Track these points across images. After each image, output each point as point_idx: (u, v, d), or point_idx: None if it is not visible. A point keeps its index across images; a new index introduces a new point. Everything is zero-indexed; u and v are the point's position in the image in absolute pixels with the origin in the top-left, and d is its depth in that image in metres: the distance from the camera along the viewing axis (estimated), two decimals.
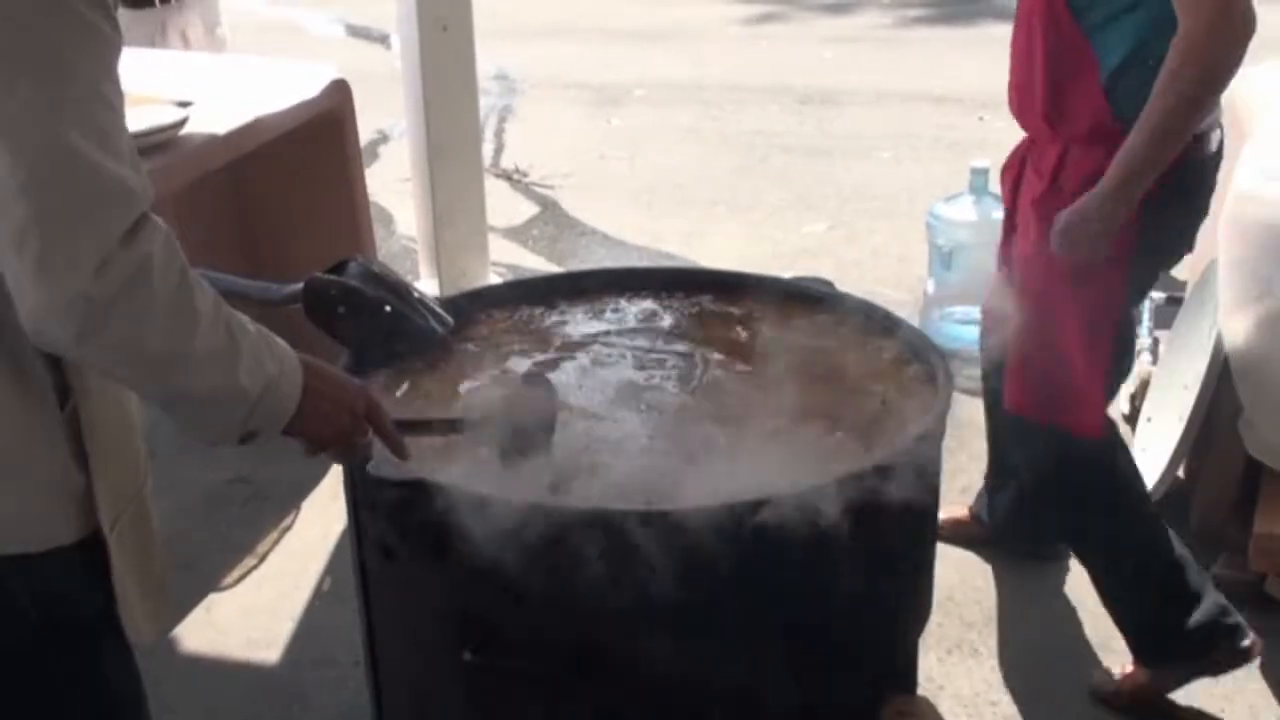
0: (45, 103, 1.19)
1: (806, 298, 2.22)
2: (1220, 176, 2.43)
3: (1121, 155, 2.16)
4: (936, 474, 1.90)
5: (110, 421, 1.48)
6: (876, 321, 2.12)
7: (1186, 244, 2.49)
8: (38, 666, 1.45)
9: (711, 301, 2.26)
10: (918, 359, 1.99)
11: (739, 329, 2.17)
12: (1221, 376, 2.98)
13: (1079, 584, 2.98)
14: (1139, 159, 2.15)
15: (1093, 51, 2.24)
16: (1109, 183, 2.18)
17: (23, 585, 1.41)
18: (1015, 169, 2.56)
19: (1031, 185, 2.44)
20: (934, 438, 1.81)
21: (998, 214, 4.07)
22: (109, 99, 1.24)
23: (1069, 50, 2.26)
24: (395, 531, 1.71)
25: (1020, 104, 2.46)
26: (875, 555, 1.73)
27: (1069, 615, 2.89)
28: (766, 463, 1.69)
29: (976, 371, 3.94)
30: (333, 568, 3.05)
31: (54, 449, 1.41)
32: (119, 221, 1.22)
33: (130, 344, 1.26)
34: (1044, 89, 2.33)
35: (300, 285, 1.83)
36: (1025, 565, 3.07)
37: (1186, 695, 2.60)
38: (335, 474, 1.86)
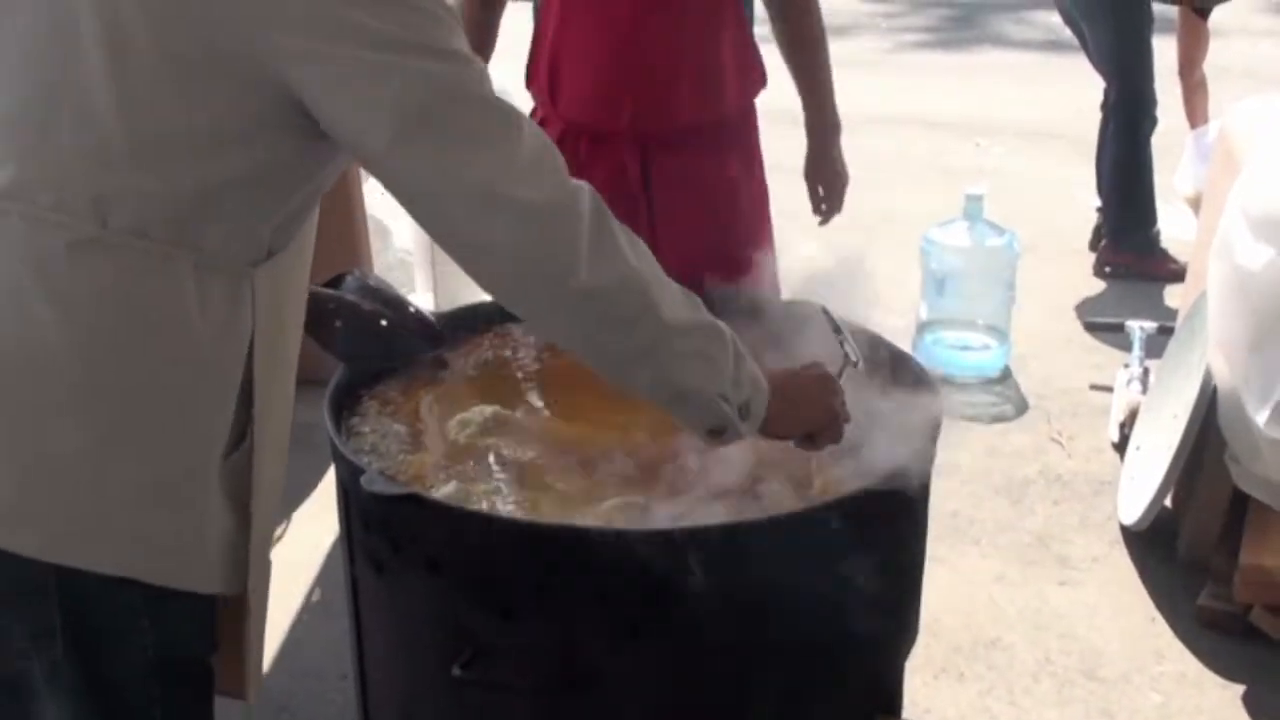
0: None
1: (799, 319, 2.23)
2: (1212, 208, 2.45)
3: None
4: (925, 497, 1.90)
5: (271, 479, 1.54)
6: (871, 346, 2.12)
7: None
8: (139, 707, 1.47)
9: None
10: (908, 382, 2.00)
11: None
12: (1210, 407, 3.00)
13: (1068, 609, 3.00)
14: None
15: None
16: None
17: (151, 622, 1.43)
18: None
19: None
20: (923, 461, 1.81)
21: (992, 240, 4.11)
22: None
23: None
24: (387, 546, 1.72)
25: None
26: (862, 578, 1.74)
27: (1058, 640, 2.90)
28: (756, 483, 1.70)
29: (968, 397, 3.99)
30: (323, 580, 3.05)
31: (218, 489, 1.44)
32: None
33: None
34: None
35: None
36: (1014, 589, 3.08)
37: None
38: (326, 486, 1.88)
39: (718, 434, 1.54)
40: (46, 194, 1.32)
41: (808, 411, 1.63)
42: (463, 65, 1.36)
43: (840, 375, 1.71)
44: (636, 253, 1.44)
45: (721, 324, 1.51)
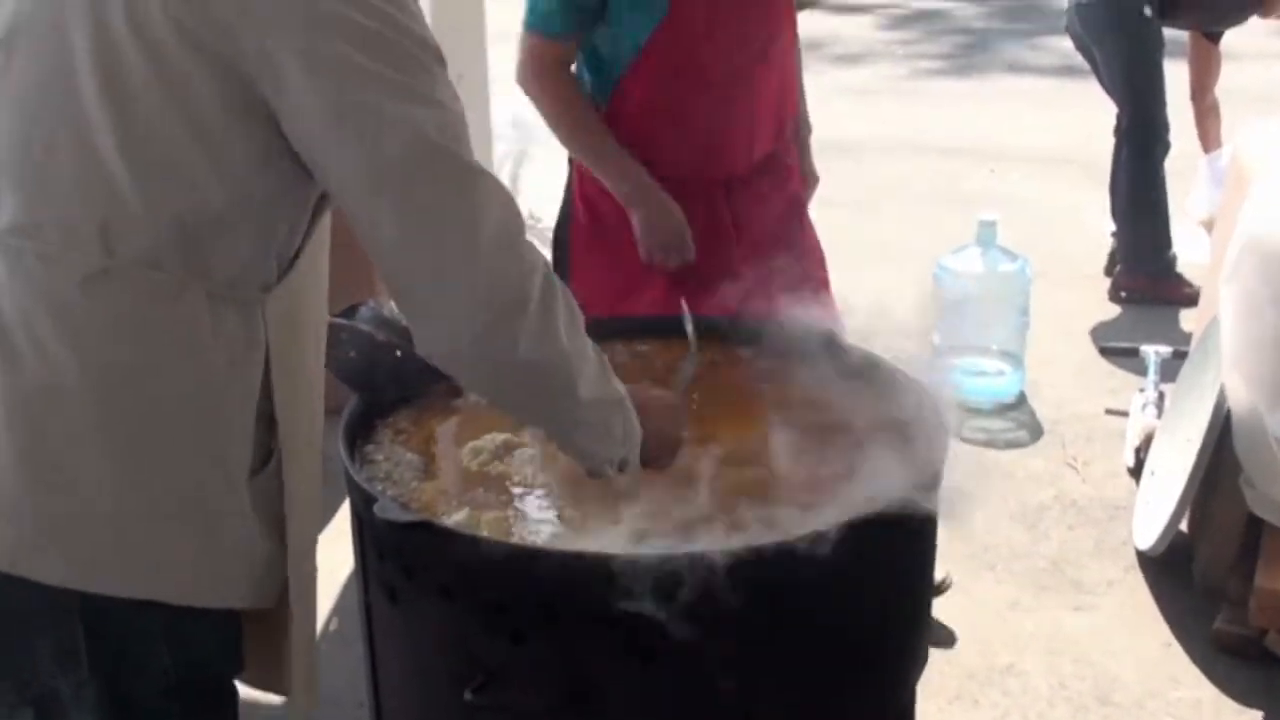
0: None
1: (808, 345, 2.25)
2: (1224, 231, 2.46)
3: None
4: (933, 521, 1.92)
5: (305, 495, 1.57)
6: (877, 370, 2.14)
7: None
8: None
9: (716, 348, 2.29)
10: (918, 409, 2.01)
11: (742, 375, 2.20)
12: (1224, 431, 3.00)
13: (1083, 634, 3.00)
14: None
15: None
16: None
17: (172, 643, 1.45)
18: None
19: None
20: (932, 485, 1.83)
21: (1005, 266, 4.13)
22: None
23: None
24: (400, 573, 1.74)
25: None
26: (872, 601, 1.75)
27: (1072, 665, 2.90)
28: (760, 510, 1.71)
29: (982, 422, 4.00)
30: (340, 608, 3.07)
31: (243, 508, 1.47)
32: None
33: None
34: None
35: None
36: (1029, 615, 3.08)
37: None
38: (343, 515, 1.90)
39: (594, 475, 1.70)
40: (56, 231, 1.34)
41: (657, 446, 1.75)
42: (446, 116, 1.39)
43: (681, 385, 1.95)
44: (570, 331, 1.51)
45: (622, 391, 1.64)
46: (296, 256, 1.51)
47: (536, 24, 2.57)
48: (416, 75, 1.37)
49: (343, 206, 1.41)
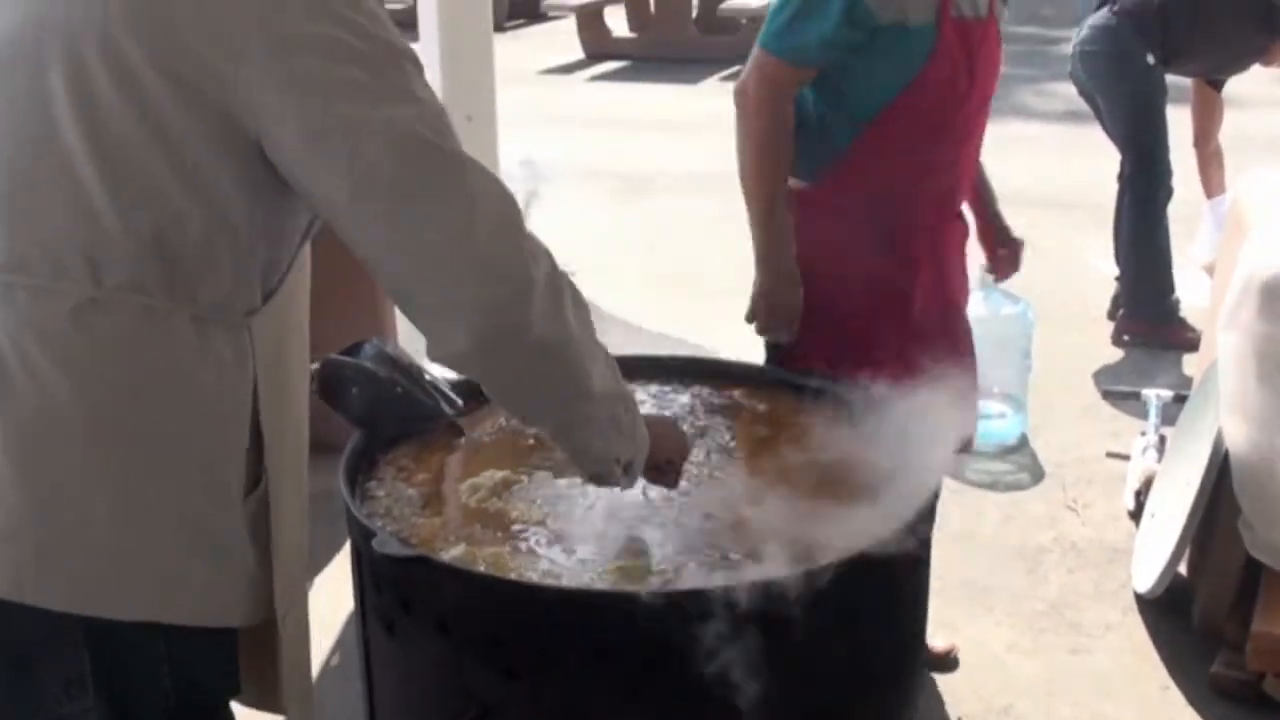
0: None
1: (805, 389, 2.28)
2: (1224, 276, 2.49)
3: None
4: (927, 561, 1.94)
5: (292, 512, 1.59)
6: (875, 410, 2.17)
7: None
8: None
9: (719, 391, 2.33)
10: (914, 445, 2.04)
11: (746, 417, 2.23)
12: (1222, 474, 3.02)
13: (1081, 677, 3.00)
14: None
15: None
16: None
17: (172, 666, 1.47)
18: None
19: None
20: (925, 525, 1.85)
21: (1007, 309, 4.15)
22: None
23: None
24: (398, 606, 1.76)
25: None
26: (868, 639, 1.78)
27: (1070, 708, 2.91)
28: (753, 548, 1.74)
29: (984, 465, 4.02)
30: (341, 644, 3.08)
31: (238, 527, 1.49)
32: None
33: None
34: None
35: (316, 365, 1.90)
36: (1027, 657, 3.09)
37: None
38: (344, 554, 1.92)
39: (597, 480, 1.74)
40: (43, 265, 1.37)
41: (662, 445, 1.80)
42: (425, 110, 1.41)
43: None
44: (579, 320, 1.54)
45: (629, 390, 1.68)
46: (281, 277, 1.53)
47: (783, 51, 2.48)
48: (389, 77, 1.39)
49: (333, 222, 1.43)
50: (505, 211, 1.46)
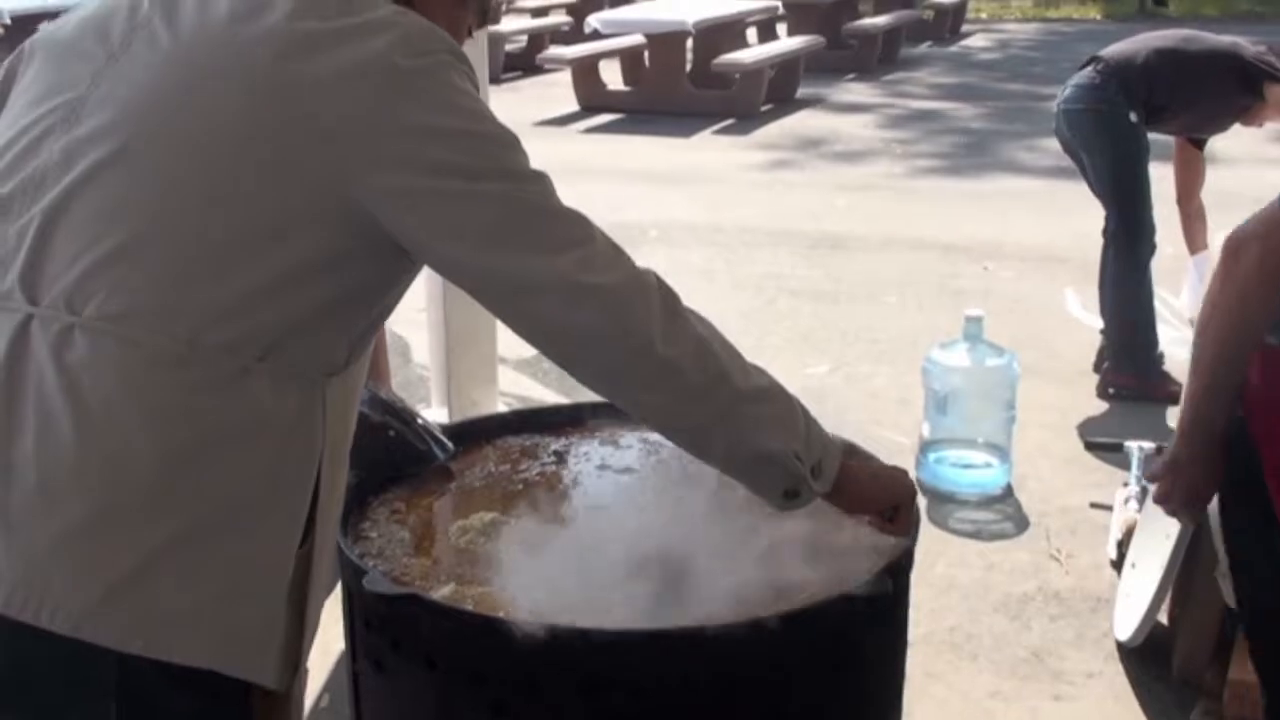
0: None
1: None
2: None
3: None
4: (905, 608, 1.98)
5: (324, 574, 1.63)
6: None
7: None
8: None
9: None
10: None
11: None
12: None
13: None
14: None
15: None
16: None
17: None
18: None
19: None
20: (903, 570, 1.89)
21: (992, 361, 4.22)
22: None
23: None
24: (388, 644, 1.81)
25: None
26: (838, 688, 1.82)
27: None
28: (727, 592, 1.78)
29: (969, 514, 4.07)
30: (331, 684, 3.12)
31: (285, 588, 1.52)
32: None
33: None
34: None
35: None
36: (1009, 704, 3.12)
37: None
38: (335, 596, 1.97)
39: (792, 496, 1.64)
40: (142, 319, 1.42)
41: (884, 485, 1.79)
42: (533, 183, 1.52)
43: None
44: (706, 326, 1.59)
45: (793, 397, 1.65)
46: (365, 343, 1.61)
47: None
48: (501, 158, 1.51)
49: (458, 280, 1.53)
50: (615, 245, 1.56)
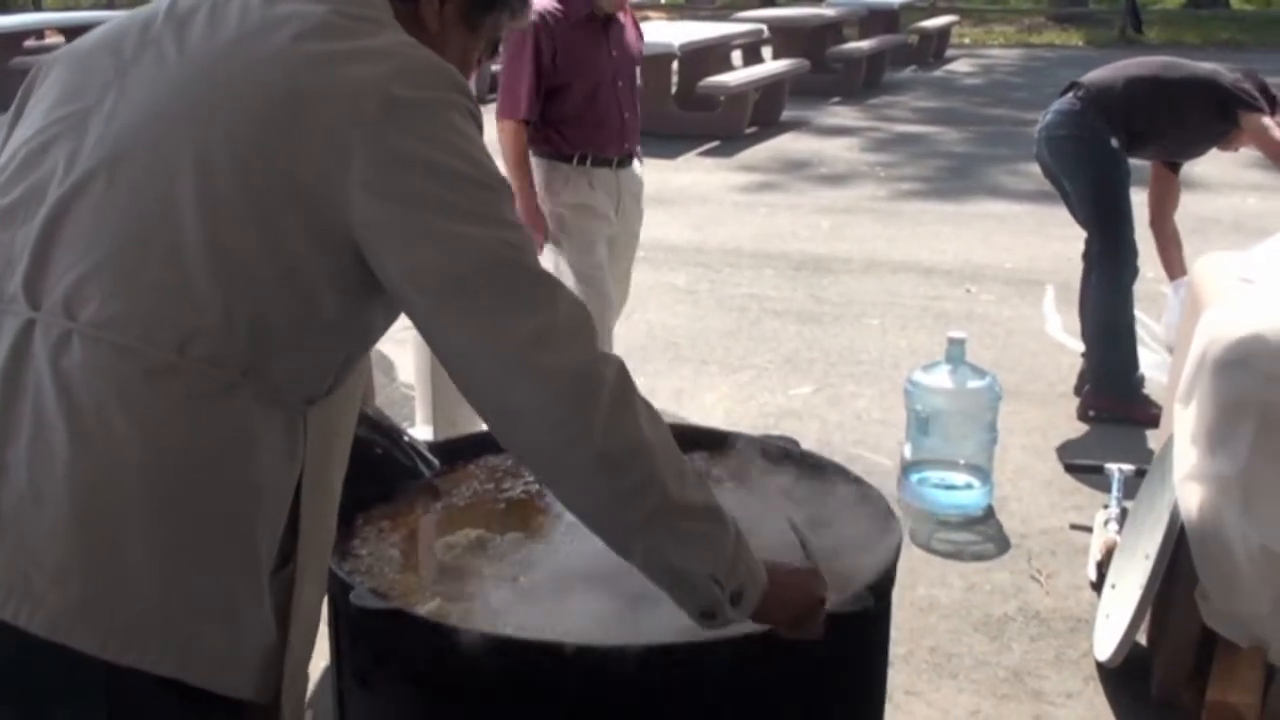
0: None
1: (774, 454, 2.36)
2: (1181, 354, 2.56)
3: None
4: (886, 626, 2.01)
5: (313, 598, 1.64)
6: (837, 476, 2.25)
7: None
8: None
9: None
10: (872, 513, 2.12)
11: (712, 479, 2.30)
12: (1179, 545, 3.10)
13: None
14: None
15: None
16: None
17: None
18: None
19: None
20: (884, 589, 1.92)
21: (973, 383, 4.25)
22: None
23: None
24: (372, 659, 1.82)
25: None
26: (818, 706, 1.84)
27: None
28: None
29: (949, 534, 4.09)
30: (316, 700, 3.11)
31: (264, 605, 1.53)
32: None
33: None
34: None
35: None
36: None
37: None
38: (325, 607, 1.98)
39: (709, 617, 1.59)
40: (135, 327, 1.44)
41: (797, 602, 1.70)
42: (514, 234, 1.51)
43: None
44: (653, 428, 1.53)
45: (725, 510, 1.59)
46: (348, 372, 1.62)
47: None
48: (485, 199, 1.50)
49: (415, 322, 1.52)
50: (580, 320, 1.52)
